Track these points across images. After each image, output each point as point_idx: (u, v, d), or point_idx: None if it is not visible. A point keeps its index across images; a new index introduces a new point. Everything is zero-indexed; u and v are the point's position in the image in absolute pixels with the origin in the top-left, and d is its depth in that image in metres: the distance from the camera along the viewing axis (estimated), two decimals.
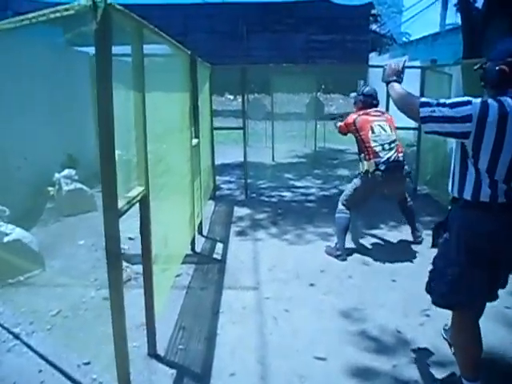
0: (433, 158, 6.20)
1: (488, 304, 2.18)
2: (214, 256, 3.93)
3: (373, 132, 3.82)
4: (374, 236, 4.42)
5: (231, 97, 15.53)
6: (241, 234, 4.53)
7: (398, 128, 5.70)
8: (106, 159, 1.64)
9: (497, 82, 1.89)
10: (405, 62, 2.33)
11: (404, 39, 18.90)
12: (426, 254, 3.91)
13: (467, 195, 1.92)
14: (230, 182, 6.96)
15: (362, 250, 4.05)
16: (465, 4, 7.74)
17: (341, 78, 14.67)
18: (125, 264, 3.74)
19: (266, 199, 5.98)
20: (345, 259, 3.81)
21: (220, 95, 14.23)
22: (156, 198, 2.27)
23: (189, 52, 3.47)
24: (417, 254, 3.93)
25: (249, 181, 6.10)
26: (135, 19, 1.92)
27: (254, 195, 6.11)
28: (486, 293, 2.05)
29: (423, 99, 1.98)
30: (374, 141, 3.79)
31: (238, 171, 7.60)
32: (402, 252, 4.01)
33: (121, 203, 1.75)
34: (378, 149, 3.77)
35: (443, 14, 13.72)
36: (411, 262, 3.78)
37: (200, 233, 4.32)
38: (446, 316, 2.40)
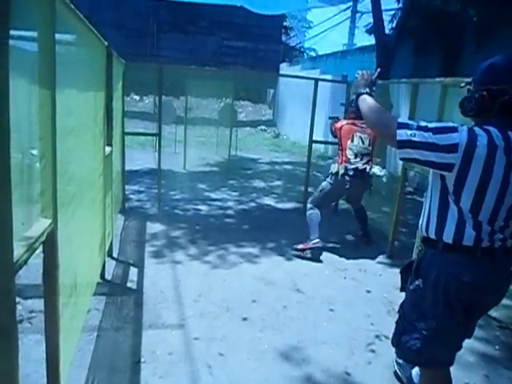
0: None
1: None
2: (128, 285, 3.35)
3: (352, 141, 4.20)
4: (300, 257, 4.18)
5: (137, 97, 14.60)
6: (157, 255, 3.99)
7: (315, 141, 5.81)
8: None
9: (478, 110, 1.65)
10: (378, 73, 2.08)
11: (312, 53, 19.56)
12: (357, 277, 3.79)
13: (448, 238, 1.67)
14: (140, 191, 6.30)
15: (292, 274, 3.77)
16: (378, 29, 8.33)
17: (252, 85, 14.65)
18: None
19: (181, 213, 5.47)
20: (321, 250, 4.12)
21: (126, 95, 13.25)
22: (65, 229, 1.71)
23: (106, 43, 2.88)
24: (348, 277, 3.77)
25: (161, 191, 5.53)
26: None
27: (167, 208, 5.56)
28: (460, 344, 1.87)
29: (401, 119, 1.67)
30: (350, 149, 4.19)
31: (148, 179, 6.99)
32: (333, 276, 3.82)
33: (18, 251, 1.18)
34: (351, 156, 4.18)
35: (352, 34, 14.48)
36: (344, 286, 3.59)
37: (110, 255, 3.69)
38: (392, 350, 2.17)
